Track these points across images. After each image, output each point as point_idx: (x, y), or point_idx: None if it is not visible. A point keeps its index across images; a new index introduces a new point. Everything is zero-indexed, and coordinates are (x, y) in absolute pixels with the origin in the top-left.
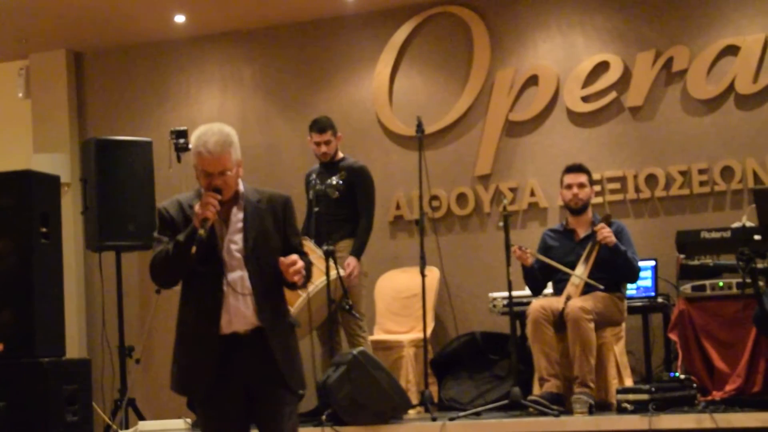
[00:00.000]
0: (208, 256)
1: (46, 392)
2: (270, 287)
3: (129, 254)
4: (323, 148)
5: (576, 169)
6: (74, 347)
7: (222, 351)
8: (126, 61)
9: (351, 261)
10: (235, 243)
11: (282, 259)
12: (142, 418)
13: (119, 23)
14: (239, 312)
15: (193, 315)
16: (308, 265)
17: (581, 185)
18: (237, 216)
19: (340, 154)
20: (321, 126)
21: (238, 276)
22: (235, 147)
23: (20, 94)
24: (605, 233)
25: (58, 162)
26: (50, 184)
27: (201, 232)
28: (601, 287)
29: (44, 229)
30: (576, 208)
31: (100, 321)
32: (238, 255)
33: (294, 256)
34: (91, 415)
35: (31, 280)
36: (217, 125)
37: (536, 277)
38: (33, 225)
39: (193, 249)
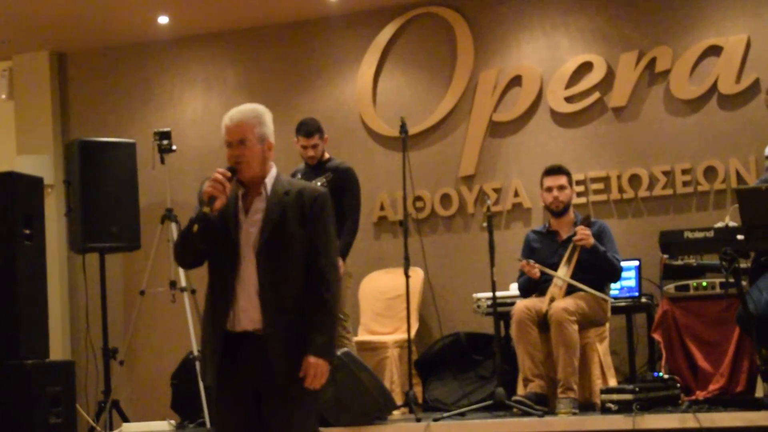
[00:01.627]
0: (224, 241)
1: (30, 394)
2: (280, 284)
3: (113, 256)
4: (310, 152)
5: (555, 171)
6: (58, 349)
7: (232, 348)
8: (109, 63)
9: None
10: (251, 234)
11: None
12: (126, 419)
13: (102, 24)
14: (246, 308)
15: (210, 306)
16: (330, 316)
17: (561, 187)
18: (259, 205)
19: (326, 155)
20: (308, 130)
21: (249, 270)
22: (261, 122)
23: (3, 96)
24: (583, 235)
25: (41, 164)
26: (33, 185)
27: (205, 209)
28: (586, 288)
29: (27, 231)
30: (557, 211)
31: (84, 323)
32: (255, 245)
33: (310, 370)
34: (74, 417)
35: (15, 281)
36: (250, 104)
37: (533, 286)
38: (16, 227)
39: (195, 228)
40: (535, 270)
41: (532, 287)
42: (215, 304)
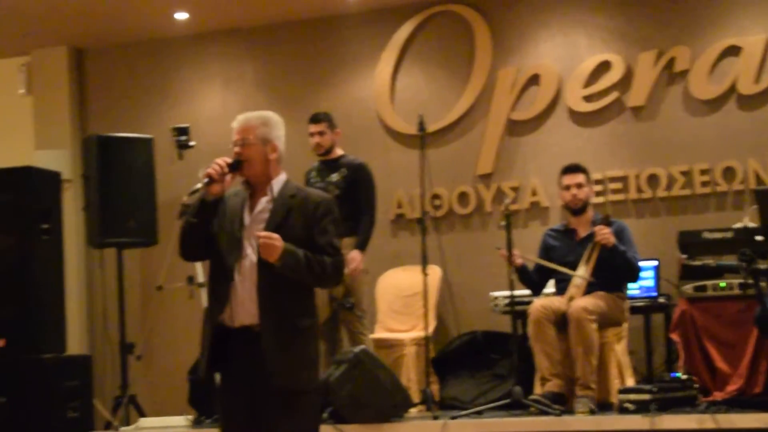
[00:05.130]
0: (228, 238)
1: (47, 388)
2: (280, 281)
3: (130, 251)
4: (316, 139)
5: (573, 169)
6: (75, 343)
7: (230, 343)
8: (128, 58)
9: (355, 255)
10: (255, 231)
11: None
12: (142, 414)
13: (121, 20)
14: (244, 304)
15: (209, 298)
16: (323, 264)
17: (579, 185)
18: (264, 206)
19: (340, 152)
20: (316, 117)
21: (250, 266)
22: (264, 124)
23: (22, 91)
24: (604, 234)
25: (59, 158)
26: (51, 180)
27: (198, 185)
28: (592, 279)
29: (45, 226)
30: (576, 209)
31: (102, 317)
32: (255, 245)
33: (268, 233)
34: (91, 411)
35: (33, 276)
36: (261, 111)
37: (531, 278)
38: (34, 221)
39: (184, 199)
40: (514, 258)
41: (530, 279)
42: (213, 297)
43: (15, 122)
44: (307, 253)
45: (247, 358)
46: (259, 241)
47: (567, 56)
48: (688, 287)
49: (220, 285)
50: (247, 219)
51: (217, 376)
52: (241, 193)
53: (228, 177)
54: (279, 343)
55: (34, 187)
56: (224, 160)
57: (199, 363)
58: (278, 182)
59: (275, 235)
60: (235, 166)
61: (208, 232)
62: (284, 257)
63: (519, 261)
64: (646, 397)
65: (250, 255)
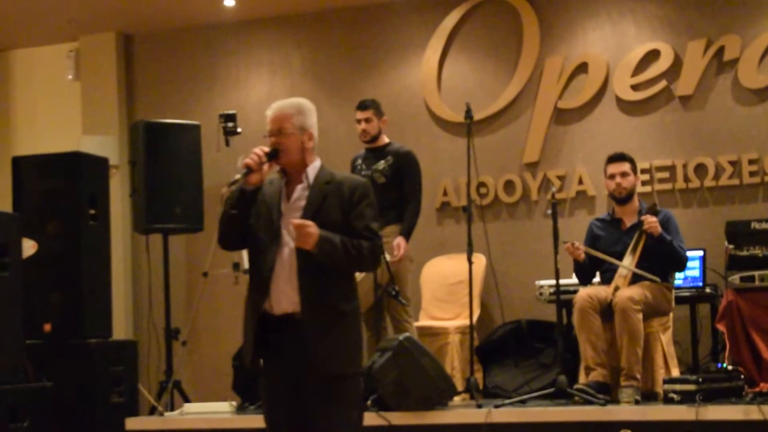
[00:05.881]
0: (266, 227)
1: (93, 373)
2: (319, 267)
3: (176, 237)
4: (363, 125)
5: (618, 158)
6: (121, 329)
7: (272, 332)
8: (175, 45)
9: (400, 242)
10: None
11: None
12: (187, 400)
13: (169, 6)
14: (285, 291)
15: (250, 288)
16: (360, 248)
17: (624, 174)
18: (300, 193)
19: (386, 139)
20: (363, 104)
21: (289, 254)
22: (300, 112)
23: (69, 76)
24: (650, 223)
25: (106, 144)
26: (99, 166)
27: (237, 176)
28: (657, 279)
29: (92, 211)
30: (620, 198)
31: (147, 303)
32: (293, 233)
33: (302, 221)
34: (136, 396)
35: (79, 261)
36: (294, 98)
37: (587, 270)
38: (81, 207)
39: (223, 190)
40: (579, 252)
41: (586, 271)
42: (255, 286)
43: (63, 108)
44: (344, 238)
45: (290, 345)
46: (293, 229)
47: (615, 45)
48: (735, 277)
49: (261, 274)
50: (284, 207)
51: (261, 363)
52: (276, 181)
53: (265, 166)
54: (321, 329)
55: (81, 173)
56: (262, 150)
57: (244, 350)
58: (313, 169)
59: (310, 223)
60: (273, 155)
61: (247, 221)
62: (320, 244)
63: (583, 255)
64: (691, 387)
65: (289, 243)
